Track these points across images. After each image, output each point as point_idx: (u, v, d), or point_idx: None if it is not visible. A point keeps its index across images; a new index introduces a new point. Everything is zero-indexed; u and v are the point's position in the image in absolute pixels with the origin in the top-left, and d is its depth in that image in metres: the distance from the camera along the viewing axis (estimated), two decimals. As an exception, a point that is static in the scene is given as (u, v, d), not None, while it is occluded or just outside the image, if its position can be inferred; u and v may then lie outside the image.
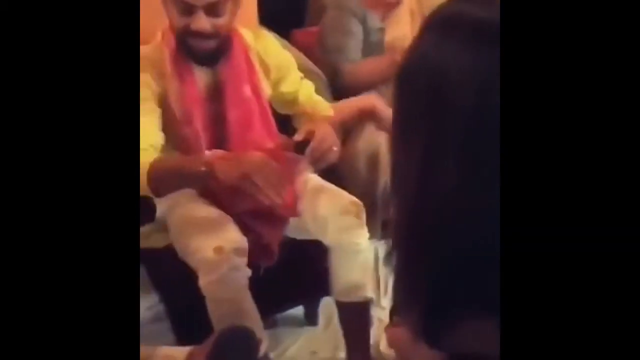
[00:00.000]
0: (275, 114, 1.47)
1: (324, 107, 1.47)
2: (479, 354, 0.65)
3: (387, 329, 0.86)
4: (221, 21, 1.26)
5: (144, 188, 1.16)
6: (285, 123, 1.51)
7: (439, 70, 0.63)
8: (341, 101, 1.68)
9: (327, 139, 1.28)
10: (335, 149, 1.30)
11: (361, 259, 1.36)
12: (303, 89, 1.47)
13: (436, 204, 0.64)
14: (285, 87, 1.45)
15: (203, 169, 1.15)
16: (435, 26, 0.66)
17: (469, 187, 0.63)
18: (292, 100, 1.47)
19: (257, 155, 1.18)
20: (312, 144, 1.26)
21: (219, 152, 1.24)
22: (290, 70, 1.45)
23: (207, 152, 1.21)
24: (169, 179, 1.19)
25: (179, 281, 1.30)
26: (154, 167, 1.16)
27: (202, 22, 1.23)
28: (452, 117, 0.62)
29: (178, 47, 1.29)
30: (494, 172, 0.58)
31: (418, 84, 0.65)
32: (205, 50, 1.28)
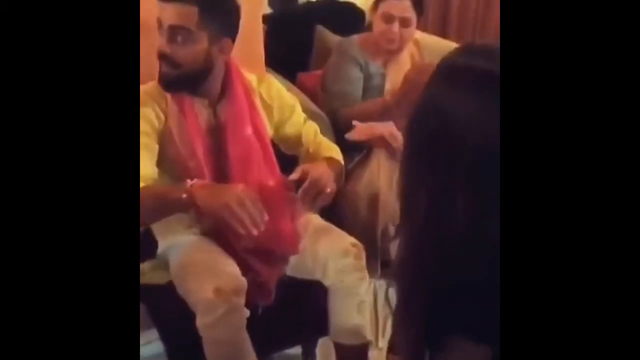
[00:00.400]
0: (284, 154, 1.50)
1: (327, 148, 1.47)
2: None
3: None
4: (187, 51, 1.22)
5: None
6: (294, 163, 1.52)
7: (445, 115, 0.70)
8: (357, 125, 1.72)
9: (321, 180, 1.27)
10: (328, 190, 1.29)
11: (360, 302, 1.37)
12: (306, 131, 1.48)
13: (441, 239, 0.69)
14: (289, 129, 1.46)
15: (184, 196, 1.16)
16: (442, 75, 0.73)
17: (473, 223, 0.67)
18: (296, 142, 1.48)
19: (237, 186, 1.18)
20: (304, 185, 1.26)
21: (202, 181, 1.23)
22: (293, 112, 1.46)
23: (188, 181, 1.20)
24: (152, 206, 1.19)
25: (178, 319, 1.31)
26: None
27: (164, 45, 1.22)
28: (458, 158, 0.68)
29: None
30: (495, 209, 0.62)
31: (427, 126, 0.72)
32: (169, 79, 1.25)
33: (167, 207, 1.22)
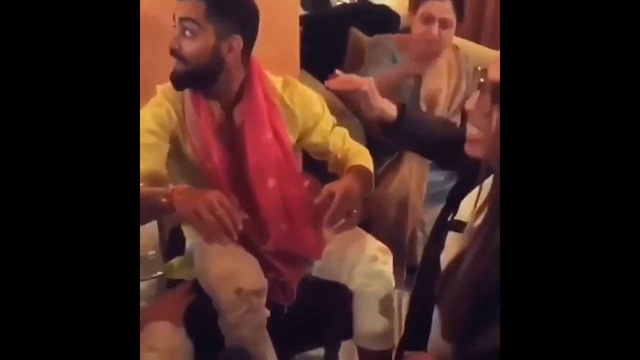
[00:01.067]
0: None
1: (356, 154, 1.43)
2: None
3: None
4: (194, 44, 1.22)
5: None
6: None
7: None
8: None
9: (347, 202, 1.24)
10: (355, 211, 1.26)
11: (386, 307, 1.36)
12: (334, 138, 1.44)
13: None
14: (315, 137, 1.42)
15: (163, 200, 1.16)
16: None
17: None
18: (324, 149, 1.45)
19: (212, 192, 1.16)
20: (330, 210, 1.23)
21: (183, 187, 1.22)
22: (320, 120, 1.42)
23: (170, 185, 1.19)
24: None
25: (204, 316, 1.32)
26: None
27: (174, 38, 1.23)
28: None
29: None
30: None
31: None
32: (177, 75, 1.25)
33: (151, 210, 1.21)
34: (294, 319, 1.34)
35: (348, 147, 1.45)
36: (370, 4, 2.55)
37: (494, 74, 0.76)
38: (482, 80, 0.80)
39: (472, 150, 0.84)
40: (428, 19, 1.80)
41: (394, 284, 1.36)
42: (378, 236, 1.43)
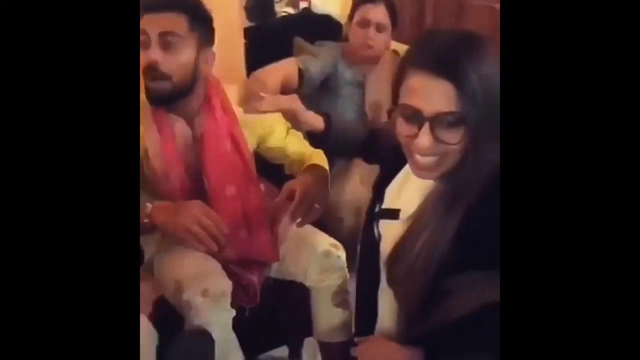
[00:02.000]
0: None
1: (312, 154, 1.46)
2: None
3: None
4: (178, 59, 1.22)
5: None
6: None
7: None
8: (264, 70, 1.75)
9: (309, 198, 1.27)
10: (317, 206, 1.29)
11: (342, 300, 1.41)
12: (289, 142, 1.47)
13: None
14: (272, 142, 1.46)
15: (145, 220, 1.19)
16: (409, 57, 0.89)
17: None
18: (280, 153, 1.48)
19: (194, 205, 1.20)
20: (293, 205, 1.26)
21: (163, 203, 1.24)
22: (276, 125, 1.44)
23: (148, 205, 1.20)
24: None
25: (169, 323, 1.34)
26: None
27: (154, 53, 1.19)
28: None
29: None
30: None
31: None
32: (160, 93, 1.23)
33: None
34: (255, 320, 1.38)
35: (304, 150, 1.48)
36: (313, 14, 2.62)
37: None
38: None
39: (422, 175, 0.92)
40: (364, 24, 1.90)
41: (348, 276, 1.41)
42: (333, 236, 1.47)
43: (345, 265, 1.41)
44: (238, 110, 1.40)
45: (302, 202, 1.27)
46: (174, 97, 1.27)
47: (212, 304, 1.23)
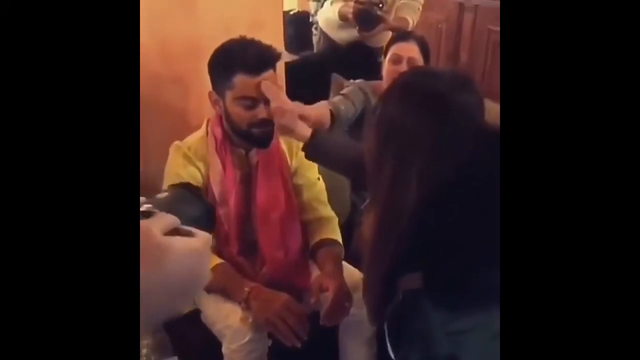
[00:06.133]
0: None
1: (326, 221, 1.54)
2: None
3: None
4: (267, 109, 1.36)
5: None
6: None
7: (397, 121, 0.96)
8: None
9: (341, 299, 1.33)
10: (347, 304, 1.35)
11: (370, 336, 1.44)
12: (313, 188, 1.54)
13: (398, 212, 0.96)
14: (299, 179, 1.53)
15: (242, 304, 1.32)
16: (396, 93, 1.00)
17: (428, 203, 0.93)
18: (299, 192, 1.55)
19: (283, 300, 1.29)
20: (326, 308, 1.32)
21: (255, 285, 1.34)
22: (308, 166, 1.53)
23: (246, 290, 1.32)
24: (216, 286, 1.36)
25: (201, 347, 1.39)
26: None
27: (267, 111, 1.34)
28: (411, 155, 0.94)
29: (227, 136, 1.43)
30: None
31: (387, 132, 0.99)
32: (266, 135, 1.39)
33: (227, 298, 1.36)
34: (286, 350, 1.41)
35: (320, 207, 1.56)
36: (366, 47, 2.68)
37: None
38: None
39: None
40: (396, 60, 1.96)
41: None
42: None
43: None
44: (283, 142, 1.50)
45: (335, 304, 1.32)
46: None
47: (249, 332, 1.29)
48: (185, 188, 0.75)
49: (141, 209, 0.58)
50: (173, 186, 0.76)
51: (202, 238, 0.59)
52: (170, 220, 0.58)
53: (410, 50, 1.96)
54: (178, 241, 0.56)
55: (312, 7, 3.43)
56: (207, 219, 0.71)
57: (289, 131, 1.25)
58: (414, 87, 0.98)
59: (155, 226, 0.56)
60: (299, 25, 3.45)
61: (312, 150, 1.26)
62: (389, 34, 2.48)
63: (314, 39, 3.01)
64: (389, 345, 1.02)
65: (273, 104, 1.26)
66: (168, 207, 0.63)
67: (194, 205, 0.72)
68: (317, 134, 1.26)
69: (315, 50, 2.99)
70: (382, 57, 2.08)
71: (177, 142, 1.45)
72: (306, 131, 1.25)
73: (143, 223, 0.55)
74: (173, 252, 0.55)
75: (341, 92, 2.02)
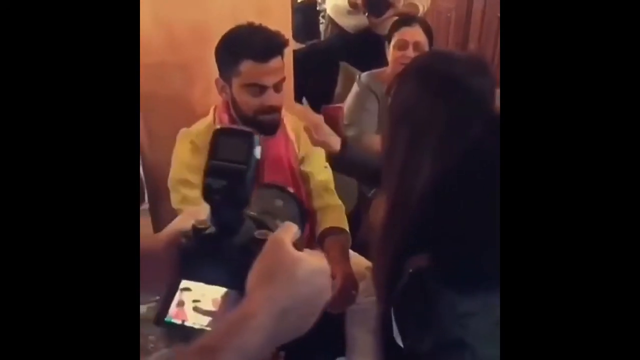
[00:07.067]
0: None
1: (333, 209, 1.55)
2: None
3: None
4: (281, 97, 1.40)
5: None
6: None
7: (414, 107, 0.96)
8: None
9: (348, 287, 1.34)
10: (354, 292, 1.36)
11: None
12: (321, 176, 1.55)
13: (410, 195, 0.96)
14: (307, 167, 1.54)
15: None
16: (412, 76, 1.00)
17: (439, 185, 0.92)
18: (306, 180, 1.56)
19: None
20: (333, 295, 1.29)
21: None
22: (317, 154, 1.52)
23: None
24: None
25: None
26: None
27: (274, 98, 1.37)
28: (424, 138, 0.93)
29: (234, 123, 1.42)
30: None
31: (401, 114, 0.99)
32: (273, 123, 1.41)
33: None
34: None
35: (327, 194, 1.56)
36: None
37: None
38: None
39: None
40: (402, 45, 1.93)
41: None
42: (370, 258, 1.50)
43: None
44: (290, 130, 1.51)
45: (342, 291, 1.33)
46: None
47: None
48: (277, 188, 0.73)
49: (256, 233, 0.55)
50: (266, 186, 0.74)
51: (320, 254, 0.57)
52: (295, 230, 0.56)
53: (415, 35, 1.94)
54: (306, 255, 0.53)
55: (320, -6, 3.41)
56: (300, 220, 0.68)
57: (325, 145, 1.28)
58: (431, 70, 0.98)
59: (287, 237, 0.53)
60: (306, 13, 3.43)
61: (340, 161, 1.29)
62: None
63: (322, 27, 2.99)
64: (396, 331, 1.01)
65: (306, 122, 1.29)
66: (272, 210, 0.62)
67: (289, 205, 0.70)
68: (345, 145, 1.28)
69: (322, 39, 2.97)
70: (386, 42, 2.06)
71: (184, 130, 1.45)
72: (337, 144, 1.28)
73: (277, 235, 0.53)
74: (304, 266, 0.52)
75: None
